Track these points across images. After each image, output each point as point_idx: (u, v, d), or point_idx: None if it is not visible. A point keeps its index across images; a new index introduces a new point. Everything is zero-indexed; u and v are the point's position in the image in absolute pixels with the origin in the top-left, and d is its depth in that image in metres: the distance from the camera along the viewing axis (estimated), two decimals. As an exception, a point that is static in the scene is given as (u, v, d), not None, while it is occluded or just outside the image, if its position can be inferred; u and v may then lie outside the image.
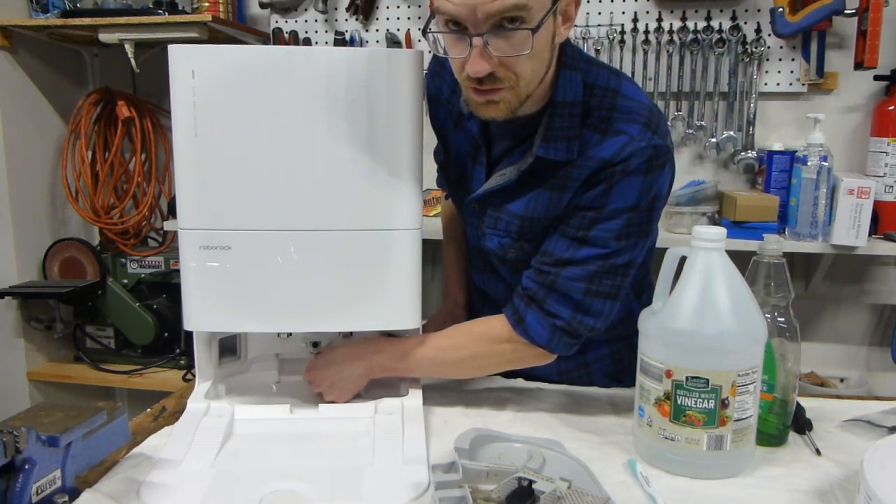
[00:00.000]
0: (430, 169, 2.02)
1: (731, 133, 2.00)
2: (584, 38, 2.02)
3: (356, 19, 2.14)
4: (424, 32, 0.91)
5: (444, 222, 1.38)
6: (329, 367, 1.03)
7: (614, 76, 0.99)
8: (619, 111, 0.95)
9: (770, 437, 0.93)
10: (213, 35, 1.98)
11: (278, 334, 1.05)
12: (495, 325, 1.02)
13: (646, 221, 0.97)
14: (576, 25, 2.02)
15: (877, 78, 1.89)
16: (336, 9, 2.15)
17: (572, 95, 0.96)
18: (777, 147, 1.89)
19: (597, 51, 2.02)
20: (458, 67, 0.91)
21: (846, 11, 1.79)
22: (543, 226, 1.01)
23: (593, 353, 1.16)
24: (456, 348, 1.04)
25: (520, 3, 0.83)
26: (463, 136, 1.08)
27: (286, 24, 2.19)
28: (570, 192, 0.97)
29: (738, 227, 1.79)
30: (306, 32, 2.18)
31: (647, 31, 1.99)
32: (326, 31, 2.17)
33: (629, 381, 1.07)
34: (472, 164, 1.07)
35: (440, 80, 1.12)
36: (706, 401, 0.83)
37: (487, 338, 1.03)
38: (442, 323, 1.25)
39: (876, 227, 1.82)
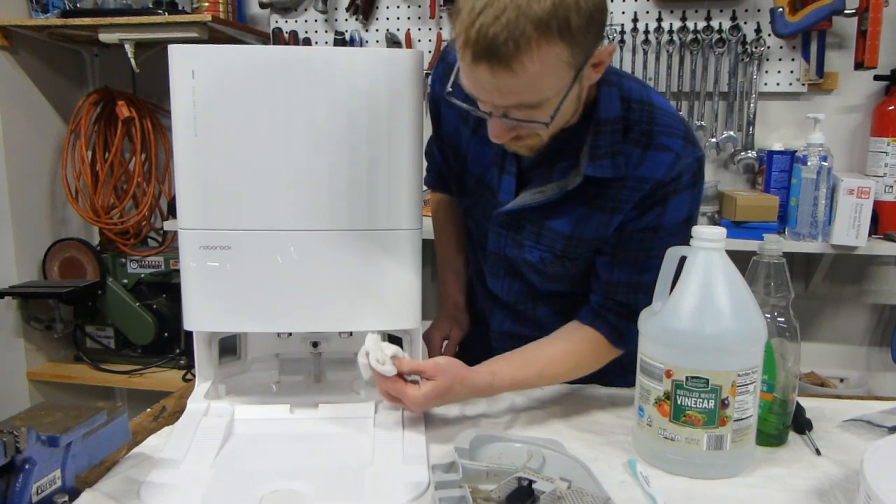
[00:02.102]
0: (430, 169, 2.02)
1: (731, 133, 2.00)
2: (584, 38, 2.02)
3: (356, 19, 2.14)
4: (448, 93, 0.91)
5: (439, 224, 1.35)
6: (432, 403, 0.98)
7: (643, 88, 1.01)
8: (658, 125, 0.97)
9: (770, 437, 0.93)
10: (213, 35, 1.98)
11: (278, 334, 1.05)
12: (589, 344, 1.04)
13: (680, 239, 0.98)
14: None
15: (877, 78, 1.89)
16: (336, 9, 2.15)
17: (613, 112, 0.96)
18: (777, 147, 1.89)
19: (597, 51, 2.01)
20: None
21: (846, 11, 1.79)
22: (590, 247, 1.03)
23: None
24: (559, 377, 1.06)
25: (532, 102, 0.84)
26: (482, 143, 1.05)
27: (286, 24, 2.19)
28: (621, 213, 0.99)
29: (738, 227, 1.79)
30: (306, 32, 2.18)
31: (647, 31, 1.99)
32: (326, 31, 2.17)
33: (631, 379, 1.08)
34: (499, 173, 1.06)
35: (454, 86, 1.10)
36: (706, 401, 0.83)
37: (593, 359, 1.05)
38: (448, 329, 1.24)
39: (876, 227, 1.82)
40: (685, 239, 0.93)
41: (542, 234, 1.03)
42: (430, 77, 1.15)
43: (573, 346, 1.05)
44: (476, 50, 0.79)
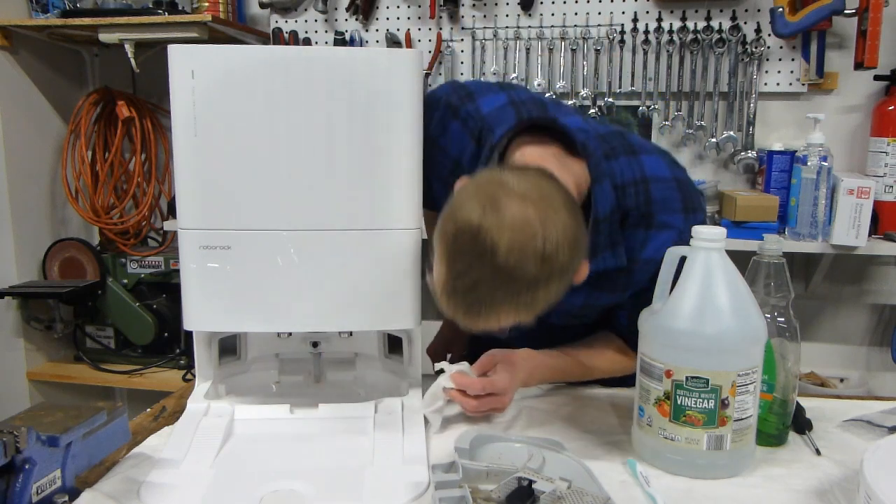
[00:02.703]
0: (430, 169, 2.02)
1: (731, 133, 2.00)
2: (584, 38, 2.02)
3: (356, 19, 2.14)
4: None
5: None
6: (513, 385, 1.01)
7: (633, 158, 0.98)
8: (655, 203, 0.97)
9: (770, 437, 0.93)
10: (213, 35, 1.98)
11: (278, 334, 1.05)
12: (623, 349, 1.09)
13: None
14: (576, 25, 2.03)
15: (877, 78, 1.89)
16: (336, 9, 2.15)
17: (607, 207, 0.95)
18: (777, 147, 1.89)
19: (597, 51, 2.02)
20: None
21: (846, 11, 1.79)
22: (605, 309, 1.07)
23: None
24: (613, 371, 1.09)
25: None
26: None
27: (286, 24, 2.19)
28: (633, 287, 1.01)
29: (738, 227, 1.79)
30: (306, 32, 2.18)
31: (647, 31, 1.99)
32: (326, 31, 2.17)
33: (630, 380, 1.08)
34: None
35: (461, 139, 1.04)
36: (706, 401, 0.83)
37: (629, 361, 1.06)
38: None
39: (876, 227, 1.82)
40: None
41: (553, 308, 0.97)
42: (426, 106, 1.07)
43: (611, 343, 1.09)
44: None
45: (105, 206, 2.24)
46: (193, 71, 0.89)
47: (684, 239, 0.92)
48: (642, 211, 0.97)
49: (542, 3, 2.05)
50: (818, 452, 0.92)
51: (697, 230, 0.86)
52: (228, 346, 1.09)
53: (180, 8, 2.04)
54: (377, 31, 2.14)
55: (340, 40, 2.14)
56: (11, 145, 2.09)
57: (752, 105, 1.98)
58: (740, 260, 0.88)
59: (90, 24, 1.95)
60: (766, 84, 1.98)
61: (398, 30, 2.13)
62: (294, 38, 2.17)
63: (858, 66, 1.81)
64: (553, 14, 2.05)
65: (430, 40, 2.11)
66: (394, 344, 1.11)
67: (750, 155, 2.00)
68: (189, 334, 1.01)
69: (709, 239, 0.85)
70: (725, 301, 0.84)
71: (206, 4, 1.99)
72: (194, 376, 1.04)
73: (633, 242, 0.98)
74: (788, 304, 0.92)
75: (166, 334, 2.20)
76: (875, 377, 2.12)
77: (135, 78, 2.22)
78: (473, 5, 2.08)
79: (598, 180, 0.94)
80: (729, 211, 1.84)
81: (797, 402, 0.96)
